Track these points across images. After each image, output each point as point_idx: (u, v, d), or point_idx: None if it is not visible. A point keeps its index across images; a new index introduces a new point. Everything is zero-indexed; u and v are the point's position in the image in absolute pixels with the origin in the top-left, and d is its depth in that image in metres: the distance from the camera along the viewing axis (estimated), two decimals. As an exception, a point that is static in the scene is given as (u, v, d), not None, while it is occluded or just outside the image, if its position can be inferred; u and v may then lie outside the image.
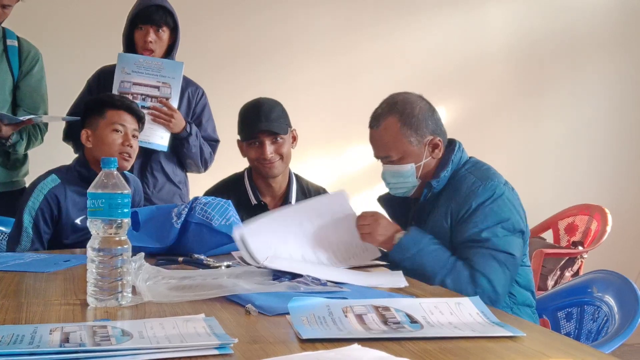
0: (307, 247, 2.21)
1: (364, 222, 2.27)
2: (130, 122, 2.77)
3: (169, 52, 3.25)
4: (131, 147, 2.74)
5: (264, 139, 2.78)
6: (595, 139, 5.20)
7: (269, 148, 2.78)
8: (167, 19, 3.19)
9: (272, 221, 2.24)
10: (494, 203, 2.18)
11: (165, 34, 3.21)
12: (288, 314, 1.41)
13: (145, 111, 3.05)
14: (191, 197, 2.90)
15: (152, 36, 3.17)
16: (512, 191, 2.26)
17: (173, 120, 3.14)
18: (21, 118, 3.03)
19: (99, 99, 2.88)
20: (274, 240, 2.15)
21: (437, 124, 2.34)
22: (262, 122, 2.78)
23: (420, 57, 4.89)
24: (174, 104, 3.17)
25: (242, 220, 2.49)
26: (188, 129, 3.19)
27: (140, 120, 2.82)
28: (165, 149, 3.18)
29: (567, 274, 3.95)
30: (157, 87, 3.16)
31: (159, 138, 3.15)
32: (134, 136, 2.78)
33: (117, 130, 2.73)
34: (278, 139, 2.80)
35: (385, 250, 2.28)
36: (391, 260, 2.22)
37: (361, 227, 2.27)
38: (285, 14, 4.71)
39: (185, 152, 3.24)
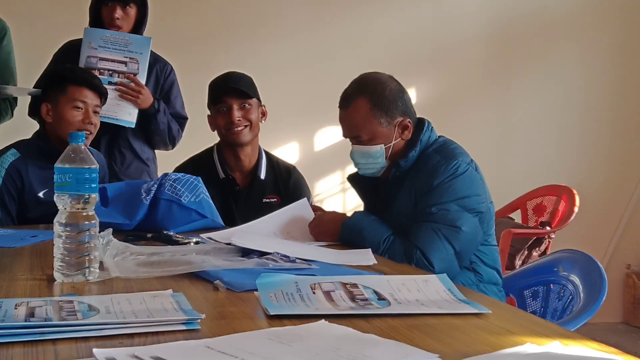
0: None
1: (312, 224, 2.37)
2: (91, 98, 2.74)
3: (137, 28, 3.21)
4: (92, 124, 2.72)
5: (232, 103, 2.79)
6: (563, 120, 5.24)
7: (237, 113, 2.79)
8: None
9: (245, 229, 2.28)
10: (453, 181, 2.19)
11: (132, 10, 3.17)
12: (256, 290, 1.41)
13: (112, 87, 3.03)
14: (159, 174, 2.89)
15: (119, 12, 3.13)
16: (476, 170, 2.27)
17: (140, 96, 3.11)
18: None
19: (60, 73, 2.84)
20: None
21: (407, 105, 2.34)
22: (230, 84, 2.80)
23: (393, 37, 4.88)
24: (142, 79, 3.14)
25: (210, 194, 2.49)
26: (156, 105, 3.17)
27: (102, 96, 2.79)
28: (132, 126, 3.15)
29: (535, 253, 3.99)
30: (125, 63, 3.13)
31: (127, 114, 3.12)
32: (95, 112, 2.75)
33: (77, 107, 2.70)
34: (246, 105, 2.81)
35: None
36: (342, 241, 2.28)
37: (311, 230, 2.36)
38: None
39: (153, 129, 3.21)
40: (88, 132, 2.69)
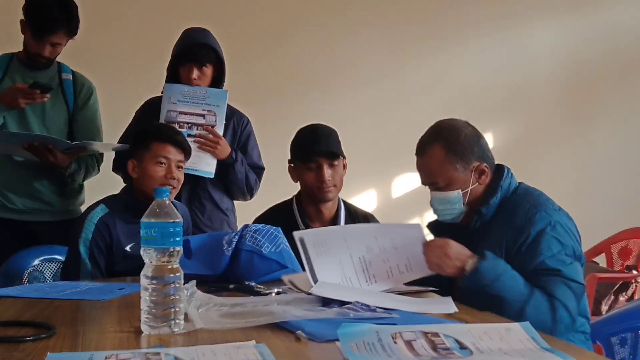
0: (363, 266, 2.16)
1: (433, 250, 2.14)
2: (174, 154, 2.81)
3: (215, 86, 3.30)
4: (174, 178, 2.79)
5: (322, 162, 2.81)
6: (645, 160, 5.12)
7: (327, 171, 2.81)
8: (210, 56, 3.24)
9: (336, 232, 2.24)
10: (554, 231, 2.16)
11: (209, 69, 3.26)
12: (337, 340, 1.42)
13: (191, 139, 3.11)
14: (239, 224, 2.93)
15: (195, 73, 3.23)
16: (568, 217, 2.25)
17: (218, 146, 3.19)
18: (72, 142, 3.10)
19: (144, 130, 2.93)
20: (331, 252, 2.11)
21: (484, 150, 2.33)
22: (321, 145, 2.82)
23: (467, 81, 4.89)
24: (219, 131, 3.22)
25: (291, 246, 2.51)
26: (234, 156, 3.24)
27: (185, 151, 2.86)
28: (211, 176, 3.23)
29: (622, 298, 3.88)
30: (203, 115, 3.22)
31: (206, 165, 3.21)
32: (179, 167, 2.82)
33: (160, 163, 2.78)
34: (335, 163, 2.83)
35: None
36: (465, 287, 2.10)
37: (430, 255, 2.13)
38: (331, 42, 4.75)
39: (231, 179, 3.28)
40: (172, 187, 2.76)
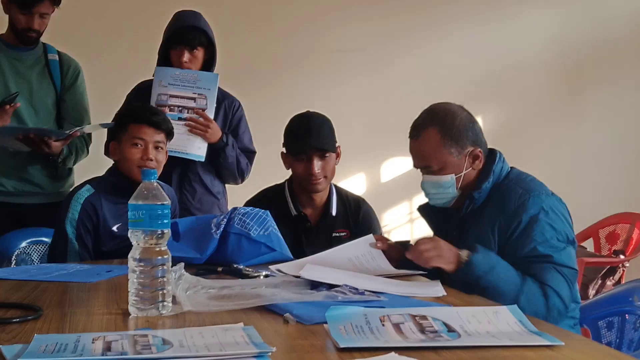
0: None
1: (426, 246, 2.12)
2: (151, 134, 2.77)
3: (206, 69, 3.29)
4: (151, 160, 2.74)
5: (313, 155, 2.79)
6: (634, 146, 5.13)
7: (317, 164, 2.79)
8: (201, 38, 3.22)
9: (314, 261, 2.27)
10: (546, 216, 2.16)
11: (200, 52, 3.24)
12: (326, 323, 1.42)
13: (181, 123, 3.10)
14: (229, 208, 2.93)
15: (186, 56, 3.21)
16: (560, 202, 2.24)
17: (209, 130, 3.18)
18: (67, 132, 3.09)
19: (123, 112, 2.93)
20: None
21: (478, 134, 2.32)
22: (312, 138, 2.79)
23: (458, 66, 4.88)
24: (210, 114, 3.21)
25: (281, 231, 2.51)
26: (224, 139, 3.22)
27: (165, 131, 2.81)
28: (202, 159, 3.21)
29: (609, 282, 3.90)
30: (194, 99, 3.20)
31: (197, 148, 3.19)
32: (158, 148, 2.79)
33: (136, 144, 2.75)
34: (326, 155, 2.81)
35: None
36: (459, 279, 2.07)
37: (425, 251, 2.11)
38: (323, 25, 4.73)
39: (222, 162, 3.27)
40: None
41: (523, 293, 2.06)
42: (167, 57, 3.27)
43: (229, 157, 3.26)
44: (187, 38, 3.20)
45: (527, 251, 2.14)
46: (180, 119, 3.14)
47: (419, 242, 2.17)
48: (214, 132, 3.19)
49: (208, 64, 3.30)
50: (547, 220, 2.16)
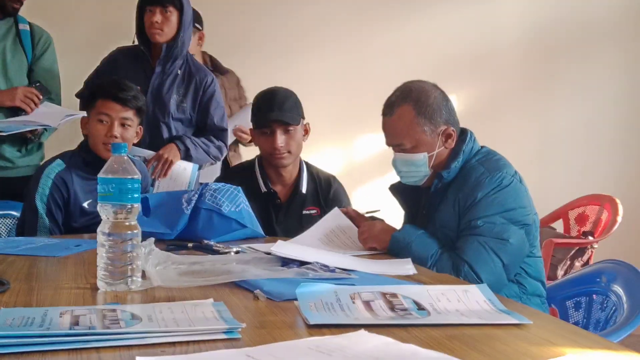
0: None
1: (361, 229, 2.35)
2: (117, 110, 2.73)
3: (177, 36, 3.24)
4: (116, 137, 2.70)
5: (276, 128, 2.77)
6: (605, 128, 5.17)
7: (280, 138, 2.77)
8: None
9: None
10: (498, 193, 2.18)
11: (173, 15, 3.21)
12: (296, 299, 1.42)
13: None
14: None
15: (157, 17, 3.19)
16: (520, 182, 2.25)
17: (168, 161, 3.20)
18: (27, 128, 3.15)
19: (92, 87, 2.90)
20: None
21: (451, 113, 2.33)
22: (274, 111, 2.77)
23: (431, 46, 4.87)
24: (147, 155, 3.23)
25: (253, 209, 2.50)
26: (182, 147, 3.24)
27: (133, 108, 2.77)
28: (197, 168, 3.30)
29: (577, 263, 3.94)
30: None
31: (183, 170, 3.26)
32: (124, 125, 2.75)
33: (101, 121, 2.73)
34: (290, 129, 2.79)
35: None
36: (391, 252, 2.24)
37: (360, 234, 2.34)
38: (298, 3, 4.70)
39: (195, 161, 3.30)
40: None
41: (435, 267, 2.14)
42: (142, 28, 3.26)
43: (197, 156, 3.31)
44: None
45: (463, 224, 2.20)
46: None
47: (359, 228, 2.37)
48: (172, 156, 3.22)
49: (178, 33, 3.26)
50: (497, 197, 2.18)
